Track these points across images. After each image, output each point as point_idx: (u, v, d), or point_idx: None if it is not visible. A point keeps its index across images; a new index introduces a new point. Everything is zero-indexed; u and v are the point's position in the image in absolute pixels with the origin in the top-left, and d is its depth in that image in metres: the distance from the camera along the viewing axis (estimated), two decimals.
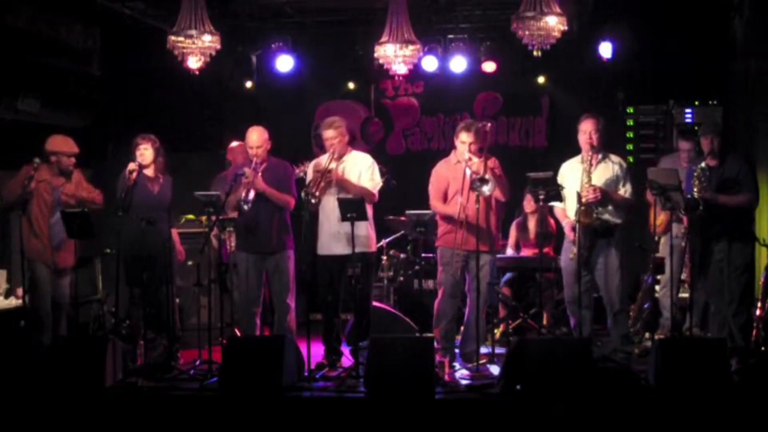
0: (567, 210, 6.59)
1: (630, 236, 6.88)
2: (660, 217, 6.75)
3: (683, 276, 6.86)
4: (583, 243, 6.42)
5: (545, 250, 7.52)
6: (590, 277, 6.57)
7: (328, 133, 6.60)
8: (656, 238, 7.06)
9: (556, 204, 6.68)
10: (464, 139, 6.59)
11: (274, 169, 6.72)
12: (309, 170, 6.68)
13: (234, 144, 7.85)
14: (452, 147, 6.83)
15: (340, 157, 6.60)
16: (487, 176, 6.38)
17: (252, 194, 6.50)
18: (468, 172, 6.48)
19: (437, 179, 6.76)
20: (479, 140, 6.58)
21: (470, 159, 6.49)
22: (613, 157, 6.65)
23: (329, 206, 6.53)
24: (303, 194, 6.40)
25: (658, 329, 7.07)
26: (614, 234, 6.53)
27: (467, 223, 6.53)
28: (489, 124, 6.79)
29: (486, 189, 6.37)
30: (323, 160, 6.62)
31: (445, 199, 6.71)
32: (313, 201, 6.39)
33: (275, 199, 6.63)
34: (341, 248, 6.51)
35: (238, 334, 6.98)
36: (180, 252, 7.18)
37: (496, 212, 6.69)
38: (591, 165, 6.51)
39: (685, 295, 6.81)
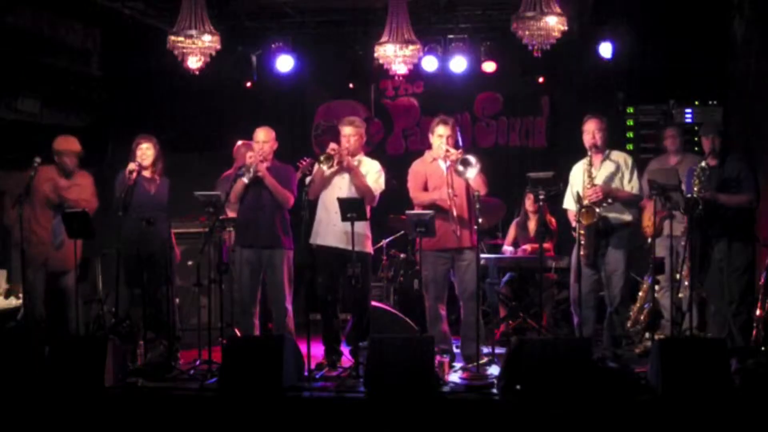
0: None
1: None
2: (649, 220, 6.78)
3: (682, 275, 6.86)
4: (591, 243, 6.43)
5: (546, 246, 7.51)
6: (597, 276, 6.58)
7: (347, 130, 6.64)
8: (648, 240, 7.08)
9: (569, 207, 6.70)
10: (441, 132, 6.56)
11: (277, 169, 6.76)
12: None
13: (240, 143, 7.85)
14: None
15: (353, 156, 6.63)
16: (470, 157, 6.36)
17: (252, 171, 6.55)
18: (446, 165, 6.45)
19: (415, 176, 6.75)
20: (455, 135, 6.58)
21: (448, 151, 6.48)
22: (617, 155, 6.66)
23: (329, 200, 6.55)
24: (304, 192, 6.41)
25: (658, 330, 7.07)
26: (623, 233, 6.53)
27: (451, 216, 6.49)
28: (457, 126, 6.78)
29: (471, 170, 6.34)
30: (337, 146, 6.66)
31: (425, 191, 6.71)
32: (324, 168, 6.43)
33: (275, 191, 6.64)
34: (336, 241, 6.52)
35: (238, 334, 6.98)
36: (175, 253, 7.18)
37: (475, 207, 6.56)
38: (592, 165, 6.53)
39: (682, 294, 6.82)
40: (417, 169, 6.77)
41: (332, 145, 6.61)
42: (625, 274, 6.53)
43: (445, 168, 6.52)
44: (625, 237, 6.55)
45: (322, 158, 6.47)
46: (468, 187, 6.49)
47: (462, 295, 6.67)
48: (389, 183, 7.00)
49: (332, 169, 6.53)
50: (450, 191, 6.50)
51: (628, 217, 6.57)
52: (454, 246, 6.52)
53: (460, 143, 6.64)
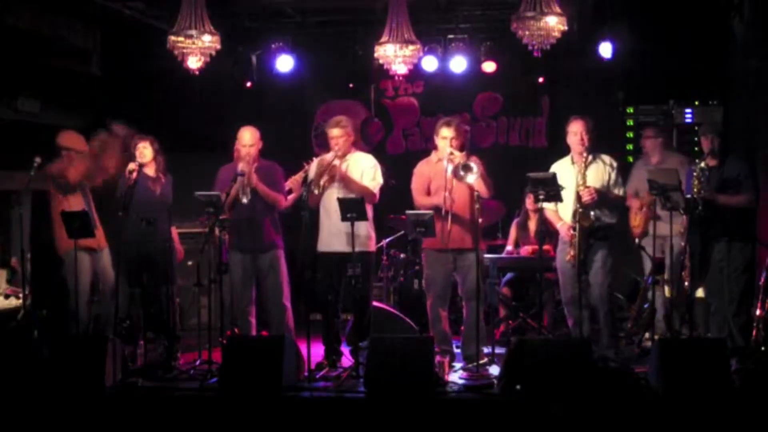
0: (560, 212, 6.59)
1: (628, 237, 6.89)
2: (637, 220, 6.80)
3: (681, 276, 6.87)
4: (581, 244, 6.42)
5: (546, 248, 7.50)
6: (586, 277, 6.57)
7: (334, 132, 6.63)
8: (636, 240, 7.09)
9: (546, 206, 6.65)
10: (445, 135, 6.55)
11: (265, 170, 6.77)
12: (312, 166, 6.72)
13: None
14: None
15: (343, 156, 6.62)
16: (471, 163, 6.35)
17: (248, 190, 6.56)
18: (450, 167, 6.44)
19: (418, 177, 6.74)
20: (460, 136, 6.57)
21: (452, 153, 6.47)
22: (604, 158, 6.65)
23: (330, 204, 6.54)
24: (304, 191, 6.42)
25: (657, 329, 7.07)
26: (608, 233, 6.53)
27: (453, 215, 6.48)
28: (467, 128, 6.75)
29: (471, 176, 6.32)
30: (328, 156, 6.65)
31: (428, 194, 6.69)
32: (316, 192, 6.43)
33: (266, 197, 6.66)
34: (341, 245, 6.51)
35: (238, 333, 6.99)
36: (179, 251, 7.19)
37: (475, 209, 6.61)
38: (587, 167, 6.50)
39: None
40: (421, 171, 6.75)
41: (318, 170, 6.56)
42: (611, 274, 6.55)
43: (449, 170, 6.50)
44: (609, 236, 6.57)
45: (312, 189, 6.44)
46: (471, 188, 6.48)
47: (464, 295, 6.67)
48: (389, 183, 6.99)
49: (328, 186, 6.53)
50: (447, 194, 6.49)
51: (613, 219, 6.58)
52: (456, 247, 6.51)
53: (467, 146, 6.61)
